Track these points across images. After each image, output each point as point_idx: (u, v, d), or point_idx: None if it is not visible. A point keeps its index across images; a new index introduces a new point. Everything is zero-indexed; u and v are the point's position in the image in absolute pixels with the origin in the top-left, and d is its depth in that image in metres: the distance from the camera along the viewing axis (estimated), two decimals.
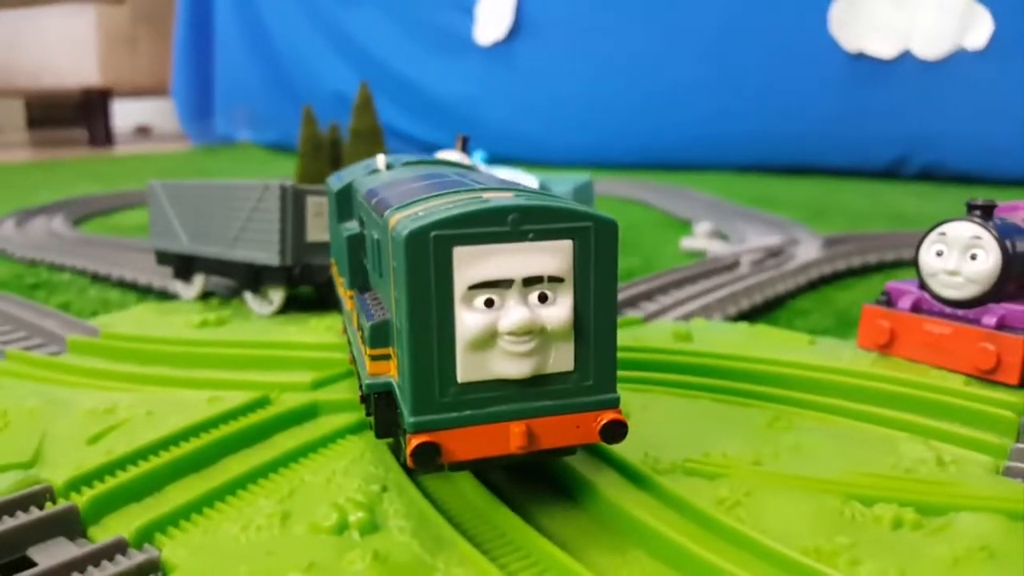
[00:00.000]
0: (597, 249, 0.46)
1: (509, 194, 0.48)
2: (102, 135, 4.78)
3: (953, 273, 0.75)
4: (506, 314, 0.44)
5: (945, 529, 0.49)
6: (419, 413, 0.45)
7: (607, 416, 0.47)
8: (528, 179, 1.37)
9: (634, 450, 0.58)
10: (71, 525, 0.54)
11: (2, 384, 0.75)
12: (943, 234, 0.77)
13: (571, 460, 0.56)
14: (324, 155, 2.22)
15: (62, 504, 0.54)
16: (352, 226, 0.67)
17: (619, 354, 0.81)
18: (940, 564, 0.46)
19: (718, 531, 0.49)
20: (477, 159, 1.27)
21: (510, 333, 0.44)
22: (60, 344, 0.93)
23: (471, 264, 0.44)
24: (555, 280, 0.45)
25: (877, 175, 2.99)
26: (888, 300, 0.83)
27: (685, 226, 2.08)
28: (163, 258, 1.10)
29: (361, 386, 0.54)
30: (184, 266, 1.07)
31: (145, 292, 1.33)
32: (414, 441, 0.44)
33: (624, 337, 0.88)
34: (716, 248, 1.66)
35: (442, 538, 0.48)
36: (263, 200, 0.91)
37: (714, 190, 2.72)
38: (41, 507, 0.55)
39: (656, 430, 0.62)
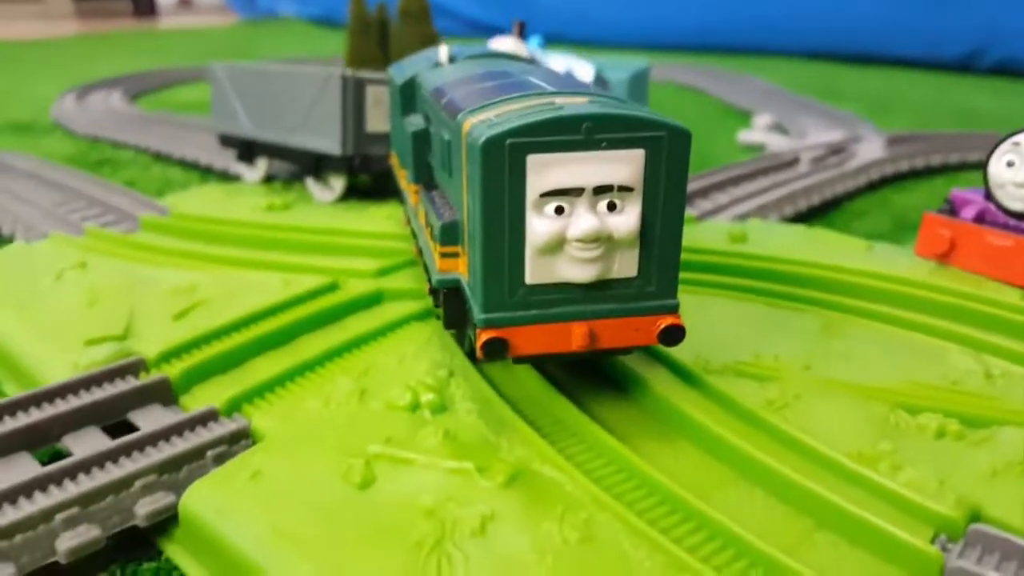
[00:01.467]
0: (669, 159, 0.47)
1: (583, 99, 0.49)
2: (146, 6, 4.75)
3: (1022, 186, 0.74)
4: (575, 222, 0.46)
5: (987, 441, 0.51)
6: (489, 310, 0.48)
7: (666, 320, 0.49)
8: (584, 66, 1.35)
9: (686, 350, 0.60)
10: (164, 393, 0.59)
11: (86, 260, 0.80)
12: (1016, 144, 0.75)
13: (625, 357, 0.59)
14: (372, 34, 2.18)
15: (155, 374, 0.59)
16: (417, 121, 0.68)
17: None
18: (979, 475, 0.48)
19: (763, 429, 0.52)
20: (533, 45, 1.24)
21: (578, 240, 0.46)
22: (132, 222, 0.98)
23: (544, 172, 0.45)
24: (625, 189, 0.46)
25: (949, 68, 2.84)
26: (951, 209, 0.82)
27: (744, 118, 2.03)
28: (226, 140, 1.12)
29: (429, 279, 0.56)
30: (247, 149, 1.09)
31: (206, 172, 1.37)
32: (484, 336, 0.47)
33: None
34: (775, 142, 1.62)
35: (504, 421, 0.52)
36: (324, 90, 0.92)
37: (777, 78, 2.62)
38: (136, 376, 0.60)
39: (708, 332, 0.64)
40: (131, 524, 0.47)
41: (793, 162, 1.38)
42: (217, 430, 0.53)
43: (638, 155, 0.46)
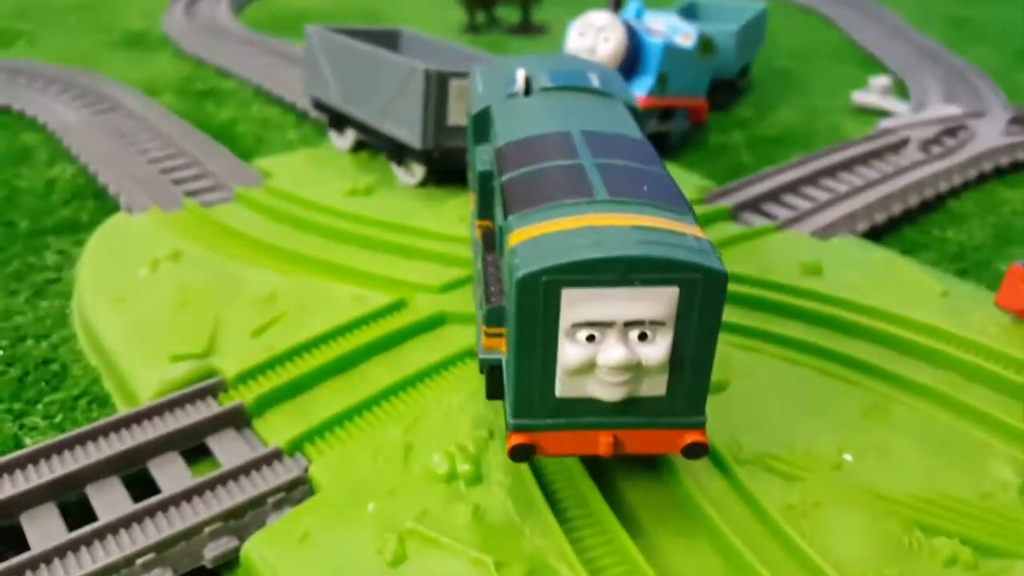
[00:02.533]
0: (704, 298, 0.47)
1: (629, 218, 0.49)
2: None
3: None
4: (604, 351, 0.48)
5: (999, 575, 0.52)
6: (519, 416, 0.51)
7: (691, 437, 0.51)
8: (684, 31, 1.29)
9: (723, 429, 0.62)
10: (239, 419, 0.65)
11: (181, 249, 0.86)
12: None
13: None
14: None
15: (232, 402, 0.66)
16: (487, 158, 0.69)
17: (739, 287, 0.82)
18: None
19: (781, 539, 0.54)
20: (631, 12, 1.19)
21: (607, 368, 0.48)
22: (228, 191, 1.04)
23: (577, 305, 0.47)
24: (656, 323, 0.48)
25: None
26: None
27: (864, 63, 1.90)
28: (318, 105, 1.15)
29: (478, 349, 0.60)
30: (337, 118, 1.12)
31: (302, 117, 1.41)
32: (513, 440, 0.51)
33: (752, 258, 0.89)
34: (890, 106, 1.53)
35: (532, 501, 0.56)
36: (408, 81, 0.93)
37: (911, 7, 2.40)
38: (215, 397, 0.67)
39: (750, 406, 0.65)
40: (199, 565, 0.55)
41: (901, 145, 1.31)
42: (279, 474, 0.59)
43: (671, 293, 0.47)
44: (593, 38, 1.10)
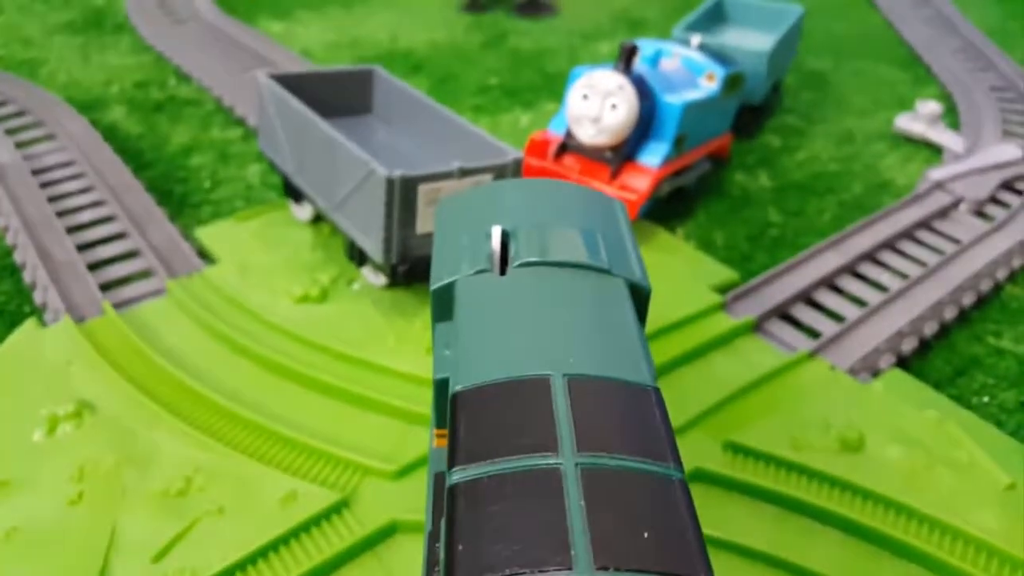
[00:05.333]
0: None
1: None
2: None
3: None
4: None
5: None
6: None
7: None
8: (710, 69, 1.10)
9: None
10: None
11: (87, 399, 0.71)
12: None
13: None
14: None
15: None
16: (446, 364, 0.54)
17: (757, 479, 0.67)
18: None
19: None
20: (644, 68, 1.00)
21: None
22: (159, 279, 0.88)
23: None
24: None
25: None
26: None
27: (907, 65, 1.69)
28: (273, 167, 0.97)
29: None
30: (293, 187, 0.95)
31: None
32: None
33: (774, 424, 0.73)
34: (939, 138, 1.33)
35: None
36: (368, 182, 0.76)
37: None
38: None
39: None
40: None
41: (950, 210, 1.13)
42: None
43: None
44: (599, 104, 0.91)
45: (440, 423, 0.53)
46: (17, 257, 0.93)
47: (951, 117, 1.47)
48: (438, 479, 0.50)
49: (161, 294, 0.87)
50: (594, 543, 0.37)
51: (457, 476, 0.42)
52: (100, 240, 0.96)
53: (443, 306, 0.57)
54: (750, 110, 1.33)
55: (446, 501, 0.42)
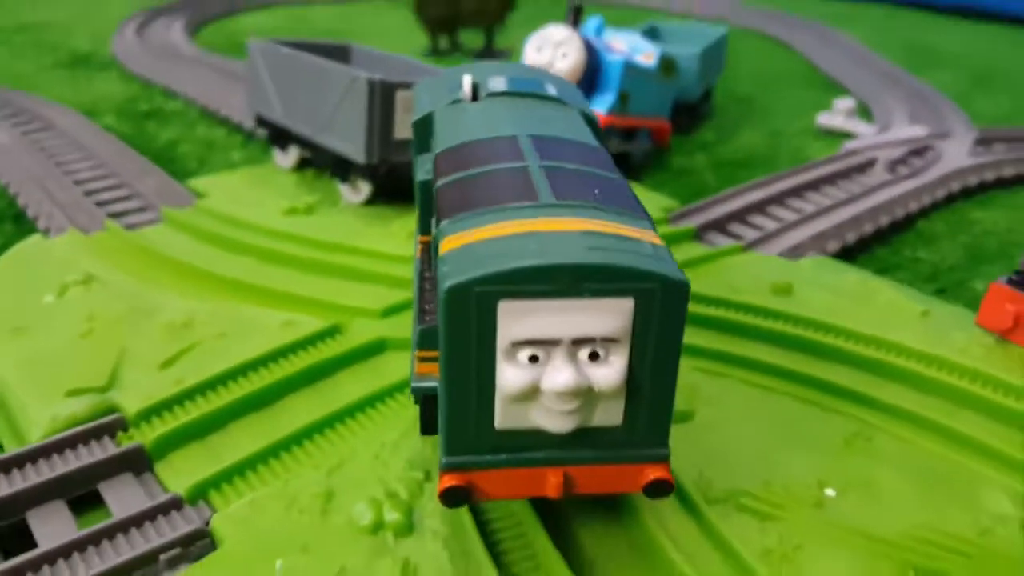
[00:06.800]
0: (663, 310, 0.41)
1: (577, 223, 0.42)
2: None
3: None
4: (550, 374, 0.41)
5: None
6: (453, 453, 0.43)
7: (653, 473, 0.44)
8: (647, 49, 1.24)
9: (690, 464, 0.55)
10: (138, 462, 0.57)
11: (94, 274, 0.78)
12: None
13: None
14: None
15: (130, 444, 0.57)
16: (428, 167, 0.63)
17: (705, 309, 0.76)
18: None
19: None
20: (591, 30, 1.14)
21: (554, 393, 0.41)
22: (155, 212, 0.96)
23: (517, 320, 0.40)
24: (609, 340, 0.41)
25: None
26: (1021, 280, 0.73)
27: (827, 89, 1.88)
28: (260, 123, 1.08)
29: (412, 376, 0.52)
30: (279, 135, 1.05)
31: (249, 138, 1.34)
32: (445, 481, 0.43)
33: (718, 279, 0.83)
34: (855, 128, 1.49)
35: (471, 554, 0.48)
36: (351, 92, 0.87)
37: (867, 34, 2.42)
38: (113, 437, 0.59)
39: (719, 438, 0.59)
40: None
41: (868, 165, 1.27)
42: (177, 526, 0.51)
43: (626, 305, 0.40)
44: (551, 53, 1.04)
45: (424, 228, 0.62)
46: (21, 201, 1.00)
47: (865, 115, 1.64)
48: (422, 274, 0.57)
49: (157, 223, 0.94)
50: (555, 192, 0.46)
51: (441, 182, 0.51)
52: (99, 189, 1.04)
53: (423, 137, 0.67)
54: (686, 109, 1.48)
55: (434, 199, 0.51)
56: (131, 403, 0.60)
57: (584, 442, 0.44)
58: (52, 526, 0.52)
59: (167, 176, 1.07)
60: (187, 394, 0.62)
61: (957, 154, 1.33)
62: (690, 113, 1.50)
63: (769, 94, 1.85)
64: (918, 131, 1.44)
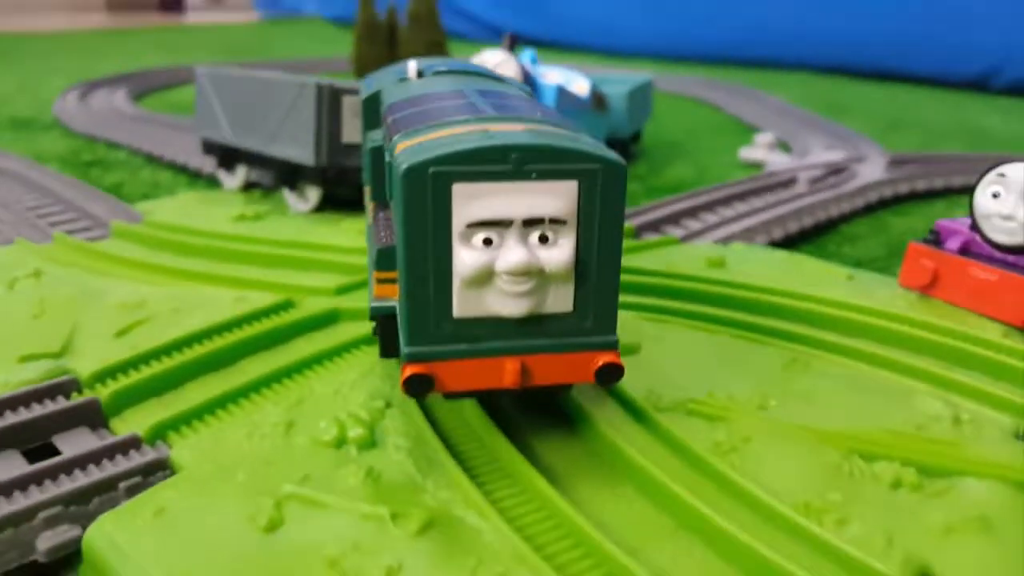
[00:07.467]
0: (604, 191, 0.44)
1: (520, 126, 0.46)
2: (173, 1, 4.80)
3: (1008, 218, 0.71)
4: (503, 254, 0.43)
5: (945, 494, 0.48)
6: (414, 343, 0.45)
7: (604, 358, 0.47)
8: (579, 81, 1.32)
9: (639, 385, 0.58)
10: (93, 416, 0.57)
11: (44, 270, 0.78)
12: (1002, 175, 0.72)
13: (573, 391, 0.56)
14: (381, 39, 2.17)
15: (85, 396, 0.57)
16: (377, 137, 0.66)
17: (645, 279, 0.80)
18: (930, 531, 0.45)
19: (710, 475, 0.49)
20: (525, 59, 1.22)
21: (507, 273, 0.43)
22: (105, 229, 0.97)
23: (470, 202, 0.43)
24: (557, 222, 0.44)
25: (962, 87, 2.79)
26: (936, 239, 0.79)
27: (749, 133, 2.00)
28: (208, 147, 1.10)
29: (370, 300, 0.54)
30: (227, 156, 1.08)
31: (195, 177, 1.36)
32: (407, 371, 0.45)
33: (655, 260, 0.87)
34: (776, 160, 1.59)
35: (435, 460, 0.49)
36: (300, 98, 0.90)
37: (787, 94, 2.59)
38: (68, 397, 0.58)
39: (665, 365, 0.61)
40: (31, 559, 0.45)
41: (790, 182, 1.35)
42: (136, 459, 0.51)
43: (571, 187, 0.44)
44: None
45: (376, 195, 0.65)
46: None
47: (786, 149, 1.75)
48: (376, 223, 0.60)
49: (108, 238, 0.95)
50: (497, 111, 0.50)
51: (391, 117, 0.55)
52: (49, 213, 1.04)
53: (372, 114, 0.71)
54: (617, 145, 1.56)
55: (385, 132, 0.54)
56: (85, 366, 0.60)
57: (538, 330, 0.46)
58: (5, 471, 0.51)
59: (117, 200, 1.08)
60: (142, 358, 0.62)
61: (873, 172, 1.43)
62: (621, 150, 1.59)
63: (695, 139, 1.96)
64: (836, 155, 1.55)
